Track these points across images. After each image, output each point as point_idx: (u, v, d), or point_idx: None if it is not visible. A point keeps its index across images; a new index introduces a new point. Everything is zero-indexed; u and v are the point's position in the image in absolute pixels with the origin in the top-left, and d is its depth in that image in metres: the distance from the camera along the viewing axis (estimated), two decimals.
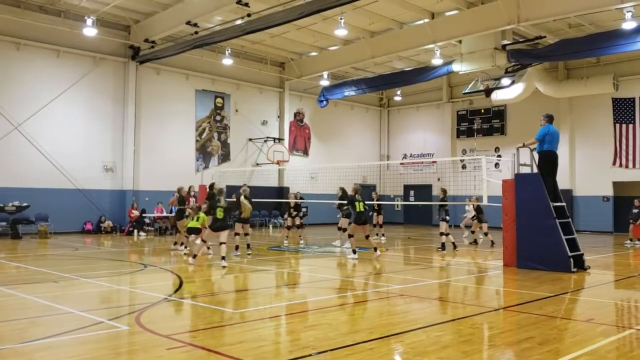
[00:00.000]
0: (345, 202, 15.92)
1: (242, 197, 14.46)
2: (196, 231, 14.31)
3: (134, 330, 6.33)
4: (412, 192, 31.26)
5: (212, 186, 15.96)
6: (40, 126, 20.88)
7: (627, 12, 17.92)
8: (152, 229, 22.67)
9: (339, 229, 17.40)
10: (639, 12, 18.91)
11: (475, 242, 18.70)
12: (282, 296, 9.40)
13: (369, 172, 31.97)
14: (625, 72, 24.21)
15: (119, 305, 8.25)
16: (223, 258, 12.23)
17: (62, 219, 20.91)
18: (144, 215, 22.01)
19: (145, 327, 6.41)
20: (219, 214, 12.42)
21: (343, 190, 17.99)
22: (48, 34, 20.94)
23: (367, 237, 14.18)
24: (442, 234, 16.92)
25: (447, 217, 17.24)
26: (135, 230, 21.47)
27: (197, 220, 14.22)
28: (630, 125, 24.57)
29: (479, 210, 18.56)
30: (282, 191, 26.88)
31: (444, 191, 17.76)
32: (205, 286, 10.49)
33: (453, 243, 16.74)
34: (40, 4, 20.59)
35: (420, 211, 30.89)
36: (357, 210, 13.98)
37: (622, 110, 24.77)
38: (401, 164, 32.34)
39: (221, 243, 12.41)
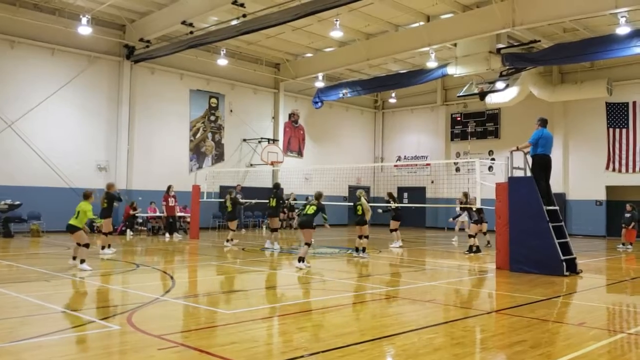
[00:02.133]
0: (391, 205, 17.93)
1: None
2: (73, 229, 11.78)
3: (126, 330, 6.31)
4: (405, 194, 31.28)
5: (110, 187, 15.26)
6: (34, 124, 20.80)
7: (621, 17, 18.04)
8: (145, 228, 22.61)
9: (391, 230, 18.36)
10: (633, 17, 19.01)
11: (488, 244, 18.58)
12: (274, 297, 9.39)
13: (363, 173, 31.99)
14: (619, 77, 24.33)
15: (111, 305, 8.21)
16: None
17: (55, 217, 20.75)
18: (135, 215, 21.89)
19: (137, 327, 6.39)
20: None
21: (390, 195, 18.65)
22: (43, 32, 20.86)
23: (306, 244, 12.51)
24: (470, 236, 16.65)
25: (476, 218, 16.76)
26: (128, 230, 21.44)
27: (77, 217, 11.84)
28: (624, 130, 24.69)
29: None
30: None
31: (466, 195, 17.46)
32: (197, 286, 10.47)
33: (477, 246, 16.41)
34: (35, 2, 20.52)
35: (414, 213, 30.91)
36: (304, 212, 12.79)
37: (615, 114, 24.88)
38: (395, 166, 32.38)
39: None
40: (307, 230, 12.55)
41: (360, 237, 14.88)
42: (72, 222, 11.80)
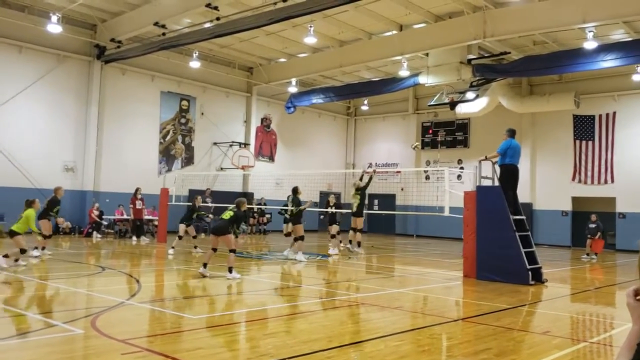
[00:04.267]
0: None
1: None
2: (14, 234, 11.91)
3: (89, 334, 6.19)
4: (376, 202, 31.42)
5: (56, 190, 14.81)
6: None
7: (589, 32, 18.45)
8: (112, 231, 22.28)
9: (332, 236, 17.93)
10: (600, 32, 19.44)
11: None
12: (241, 303, 9.32)
13: (334, 179, 32.04)
14: (586, 90, 24.85)
15: (75, 309, 8.05)
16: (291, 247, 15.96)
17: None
18: (102, 217, 21.56)
19: (101, 331, 6.27)
20: (296, 212, 12.16)
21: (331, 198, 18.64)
22: (10, 29, 20.39)
23: (231, 251, 11.36)
24: None
25: None
26: (94, 232, 21.09)
27: (19, 222, 12.00)
28: (590, 142, 25.22)
29: None
30: (246, 197, 26.70)
31: None
32: (163, 291, 10.34)
33: None
34: None
35: (384, 220, 31.10)
36: (220, 216, 11.89)
37: (582, 127, 25.40)
38: (366, 172, 32.45)
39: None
40: (224, 237, 11.26)
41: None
42: (14, 227, 12.08)
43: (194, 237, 16.88)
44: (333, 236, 17.76)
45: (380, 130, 32.97)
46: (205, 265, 11.40)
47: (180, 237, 16.04)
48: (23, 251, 11.77)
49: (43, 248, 14.25)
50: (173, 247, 15.96)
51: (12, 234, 12.01)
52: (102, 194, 22.67)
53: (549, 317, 8.63)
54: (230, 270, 11.19)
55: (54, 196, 14.89)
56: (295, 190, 16.40)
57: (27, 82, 21.04)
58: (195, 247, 16.48)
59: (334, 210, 18.26)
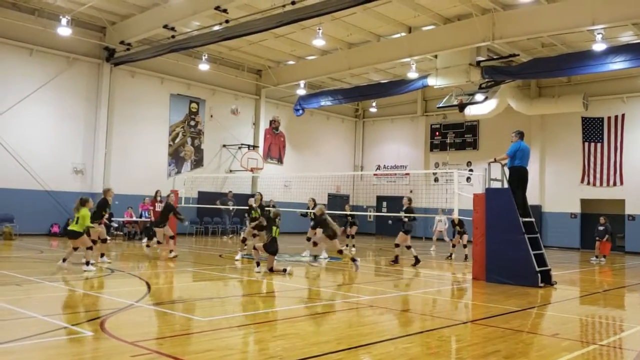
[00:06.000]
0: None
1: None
2: (73, 235, 11.71)
3: (99, 336, 6.22)
4: (384, 204, 31.40)
5: (104, 192, 14.10)
6: (9, 125, 20.47)
7: (598, 34, 18.40)
8: (121, 233, 22.35)
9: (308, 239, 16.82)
10: (609, 34, 19.38)
11: (450, 256, 18.28)
12: (251, 305, 9.33)
13: (342, 182, 32.05)
14: (594, 92, 24.75)
15: (84, 311, 8.09)
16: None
17: (29, 220, 20.48)
18: (111, 219, 21.62)
19: (110, 333, 6.30)
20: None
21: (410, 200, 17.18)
22: (21, 32, 20.57)
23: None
24: (397, 245, 16.17)
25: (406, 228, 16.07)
26: None
27: (77, 222, 11.69)
28: (599, 145, 25.11)
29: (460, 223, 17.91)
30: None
31: (410, 200, 16.43)
32: (173, 293, 10.37)
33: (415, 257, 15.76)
34: (14, 1, 20.25)
35: (393, 222, 31.02)
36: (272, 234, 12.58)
37: (591, 129, 25.30)
38: (375, 175, 32.49)
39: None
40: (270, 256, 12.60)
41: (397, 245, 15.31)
42: (72, 227, 11.83)
43: (159, 242, 15.54)
44: (308, 239, 16.23)
45: (389, 132, 32.94)
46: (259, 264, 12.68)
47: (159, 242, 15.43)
48: (91, 248, 11.85)
49: (102, 255, 13.49)
50: (167, 250, 15.19)
51: (75, 235, 11.63)
52: None
53: (558, 320, 8.60)
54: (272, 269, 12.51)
55: (105, 198, 14.02)
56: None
57: (37, 84, 21.20)
58: (148, 245, 14.60)
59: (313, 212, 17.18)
